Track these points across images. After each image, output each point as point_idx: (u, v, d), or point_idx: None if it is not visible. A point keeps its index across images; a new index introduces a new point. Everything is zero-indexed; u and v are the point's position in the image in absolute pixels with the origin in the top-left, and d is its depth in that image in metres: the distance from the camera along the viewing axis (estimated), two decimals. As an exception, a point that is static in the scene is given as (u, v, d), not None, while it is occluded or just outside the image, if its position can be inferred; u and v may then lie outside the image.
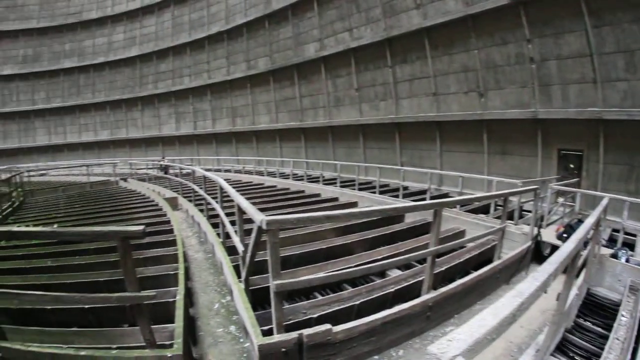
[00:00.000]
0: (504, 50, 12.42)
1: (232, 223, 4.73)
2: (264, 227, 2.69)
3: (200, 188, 8.40)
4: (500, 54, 12.53)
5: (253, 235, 3.13)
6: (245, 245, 3.86)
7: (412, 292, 4.18)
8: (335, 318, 3.37)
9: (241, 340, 3.78)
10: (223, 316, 4.31)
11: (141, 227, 2.76)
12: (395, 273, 4.87)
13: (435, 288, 3.97)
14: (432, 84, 14.59)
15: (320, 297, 4.39)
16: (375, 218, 7.22)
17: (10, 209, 12.16)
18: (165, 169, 19.51)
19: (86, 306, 4.19)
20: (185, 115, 28.61)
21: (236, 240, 4.18)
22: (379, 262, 3.93)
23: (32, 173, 21.06)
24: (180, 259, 5.22)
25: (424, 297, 3.68)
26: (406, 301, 3.67)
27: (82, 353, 3.04)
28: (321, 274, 4.19)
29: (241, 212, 4.01)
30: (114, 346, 3.36)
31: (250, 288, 3.96)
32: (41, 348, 3.23)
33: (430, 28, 14.21)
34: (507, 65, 12.42)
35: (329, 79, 19.34)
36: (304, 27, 20.27)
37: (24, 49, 30.97)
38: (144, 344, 3.20)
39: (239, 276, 4.24)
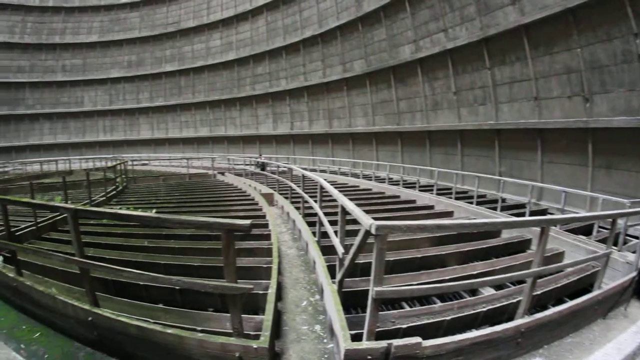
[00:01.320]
0: (609, 47, 12.01)
1: (330, 223, 5.24)
2: (373, 231, 2.80)
3: (298, 186, 9.17)
4: (605, 52, 12.13)
5: (358, 238, 3.27)
6: (345, 247, 4.13)
7: (503, 314, 4.28)
8: (424, 331, 3.51)
9: (324, 340, 4.04)
10: (310, 314, 4.63)
11: (248, 222, 3.06)
12: (487, 291, 5.00)
13: (529, 313, 3.93)
14: (533, 87, 14.60)
15: (408, 308, 4.70)
16: (473, 231, 7.25)
17: (115, 192, 14.81)
18: (262, 165, 22.12)
19: (177, 287, 4.78)
20: (282, 116, 32.03)
21: (336, 241, 4.39)
22: (478, 279, 4.10)
23: (135, 162, 25.17)
24: (275, 253, 5.73)
25: (517, 322, 3.63)
26: (495, 323, 3.75)
27: (169, 331, 3.50)
28: (414, 284, 4.54)
29: (344, 213, 4.26)
30: (199, 328, 3.79)
31: (342, 290, 4.20)
32: (130, 319, 3.81)
33: (528, 25, 14.26)
34: (613, 64, 11.97)
35: (425, 82, 20.16)
36: (397, 29, 21.37)
37: (128, 56, 38.46)
38: (227, 330, 3.63)
39: (332, 277, 4.53)
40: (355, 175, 20.83)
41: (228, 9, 34.49)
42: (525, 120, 15.10)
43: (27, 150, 37.39)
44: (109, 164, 20.76)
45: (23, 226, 8.56)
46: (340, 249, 4.13)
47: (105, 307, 4.13)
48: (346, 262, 3.78)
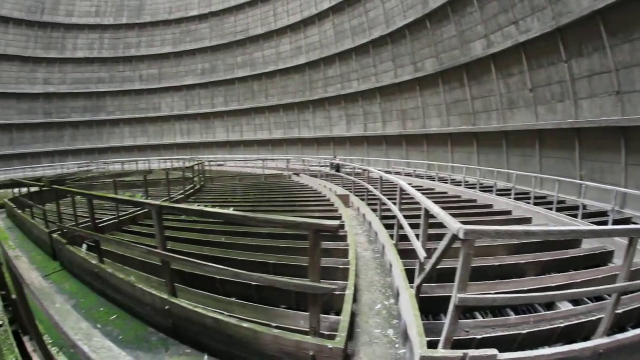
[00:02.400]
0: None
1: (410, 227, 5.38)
2: (461, 236, 2.82)
3: (375, 188, 9.55)
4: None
5: (444, 242, 3.28)
6: (427, 251, 4.16)
7: (581, 332, 4.17)
8: (498, 343, 3.46)
9: (397, 345, 4.12)
10: (383, 318, 4.76)
11: (336, 223, 3.18)
12: (565, 306, 4.85)
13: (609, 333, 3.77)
14: (614, 80, 13.96)
15: (480, 318, 4.70)
16: (560, 239, 7.21)
17: (192, 190, 16.26)
18: (337, 167, 22.76)
19: (253, 284, 5.15)
20: (355, 118, 33.06)
21: (417, 245, 4.40)
22: (558, 292, 4.05)
23: (211, 163, 27.25)
24: (352, 255, 5.99)
25: (596, 342, 3.50)
26: (572, 341, 3.79)
27: (245, 325, 3.73)
28: (491, 294, 4.51)
29: (428, 216, 4.30)
30: (273, 325, 3.94)
31: (421, 295, 4.25)
32: (206, 311, 4.13)
33: (603, 10, 13.68)
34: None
35: (500, 79, 19.93)
36: (467, 24, 21.37)
37: (201, 64, 42.17)
38: (301, 328, 3.84)
39: (409, 281, 4.63)
40: (431, 178, 21.09)
41: (295, 14, 36.71)
42: (607, 118, 14.45)
43: (108, 152, 43.48)
44: (187, 164, 22.44)
45: (106, 219, 9.85)
46: (422, 253, 4.17)
47: (182, 298, 4.58)
48: (428, 267, 3.84)
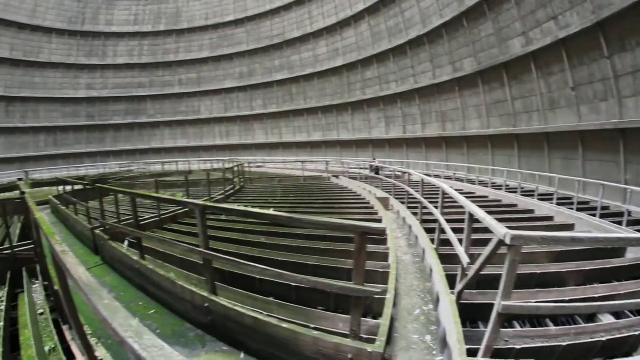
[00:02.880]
0: None
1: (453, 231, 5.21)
2: (508, 241, 2.77)
3: (416, 191, 9.52)
4: None
5: (489, 248, 3.24)
6: (470, 257, 4.11)
7: (622, 346, 4.03)
8: (537, 354, 3.49)
9: (434, 352, 4.11)
10: (421, 324, 4.74)
11: (382, 226, 3.22)
12: (606, 319, 4.72)
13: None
14: None
15: (519, 328, 4.64)
16: (607, 247, 6.81)
17: (232, 191, 16.78)
18: (376, 169, 22.63)
19: (294, 284, 5.22)
20: (394, 120, 32.76)
21: (460, 250, 4.31)
22: (602, 303, 4.01)
23: (251, 164, 28.02)
24: (393, 258, 6.05)
25: (639, 358, 3.47)
26: (613, 356, 3.70)
27: (285, 325, 3.79)
28: (533, 302, 4.42)
29: (472, 221, 4.22)
30: (312, 326, 3.99)
31: (461, 302, 4.20)
32: (245, 310, 4.23)
33: None
34: None
35: (540, 78, 19.37)
36: (504, 21, 20.93)
37: (239, 68, 43.11)
38: (339, 330, 3.92)
39: (450, 287, 4.59)
40: (471, 182, 20.87)
41: (330, 16, 36.91)
42: (653, 117, 13.88)
43: (149, 153, 45.85)
44: (227, 165, 23.33)
45: (147, 217, 10.40)
46: (465, 259, 4.10)
47: (221, 296, 4.70)
48: (470, 273, 3.79)
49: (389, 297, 4.35)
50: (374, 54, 32.75)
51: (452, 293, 4.33)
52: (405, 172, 13.00)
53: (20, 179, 31.89)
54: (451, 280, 4.68)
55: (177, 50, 45.98)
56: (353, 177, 21.51)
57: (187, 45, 45.79)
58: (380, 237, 5.81)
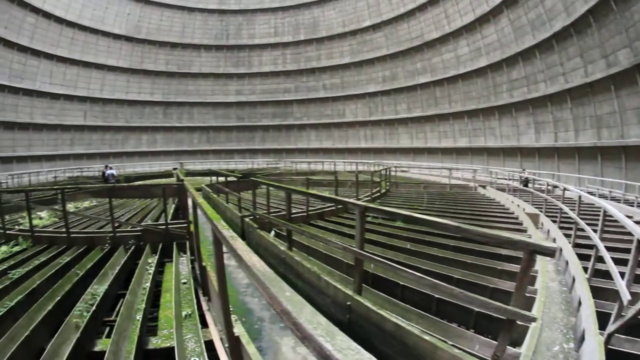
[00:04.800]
0: None
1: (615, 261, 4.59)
2: None
3: (571, 209, 8.65)
4: None
5: None
6: (632, 294, 3.65)
7: None
8: None
9: None
10: None
11: (554, 245, 3.00)
12: None
13: None
14: None
15: None
16: None
17: (378, 194, 16.98)
18: (525, 181, 21.61)
19: (436, 295, 5.13)
20: (544, 125, 29.15)
21: (620, 283, 3.81)
22: None
23: (397, 168, 28.48)
24: (542, 284, 5.65)
25: None
26: None
27: (426, 337, 3.72)
28: None
29: None
30: (449, 342, 3.89)
31: (609, 346, 3.75)
32: (389, 315, 4.20)
33: None
34: None
35: None
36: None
37: (381, 72, 44.38)
38: (474, 352, 3.84)
39: (600, 326, 4.08)
40: (628, 202, 17.46)
41: (467, 13, 35.41)
42: None
43: (295, 152, 50.44)
44: (371, 168, 24.28)
45: (294, 211, 10.76)
46: (625, 295, 3.59)
47: (365, 298, 4.74)
48: (629, 314, 3.37)
49: (536, 325, 4.05)
50: (519, 52, 29.83)
51: (601, 334, 3.89)
52: (556, 186, 11.60)
53: (175, 169, 39.50)
54: (602, 319, 4.23)
55: (319, 57, 49.22)
56: (501, 189, 20.31)
57: (328, 52, 48.61)
58: (552, 257, 6.34)
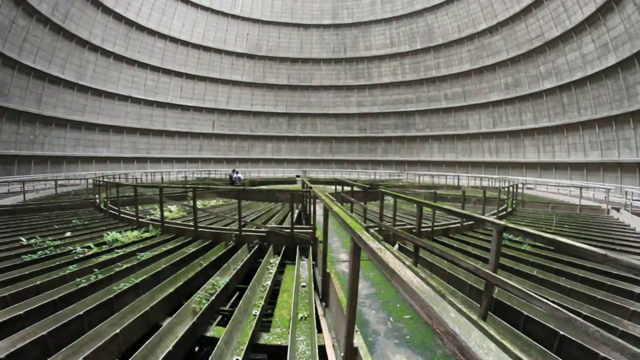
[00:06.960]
0: None
1: None
2: None
3: None
4: None
5: None
6: None
7: None
8: None
9: None
10: None
11: None
12: None
13: None
14: None
15: None
16: None
17: (504, 212, 16.21)
18: None
19: (561, 332, 4.85)
20: None
21: None
22: None
23: (524, 185, 27.06)
24: None
25: None
26: None
27: None
28: None
29: None
30: None
31: None
32: (512, 346, 3.48)
33: None
34: None
35: None
36: None
37: (503, 78, 42.13)
38: None
39: None
40: None
41: (587, 4, 30.92)
42: None
43: (417, 165, 50.65)
44: (495, 184, 23.96)
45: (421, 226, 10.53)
46: None
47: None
48: None
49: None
50: (655, 45, 25.05)
51: None
52: None
53: (297, 176, 44.19)
54: None
55: (438, 66, 48.62)
56: (637, 213, 17.78)
57: (447, 60, 47.75)
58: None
